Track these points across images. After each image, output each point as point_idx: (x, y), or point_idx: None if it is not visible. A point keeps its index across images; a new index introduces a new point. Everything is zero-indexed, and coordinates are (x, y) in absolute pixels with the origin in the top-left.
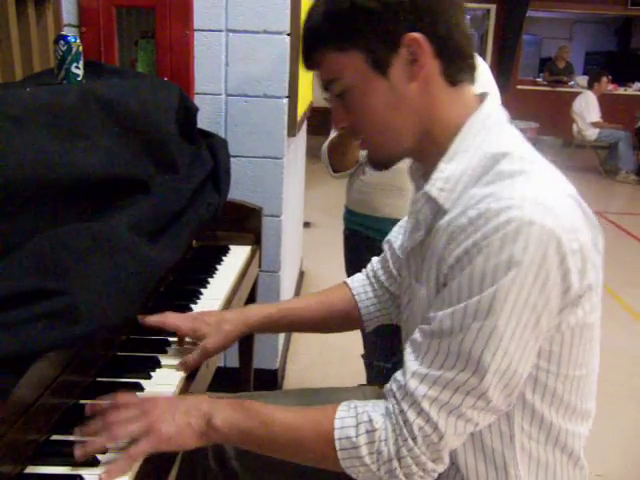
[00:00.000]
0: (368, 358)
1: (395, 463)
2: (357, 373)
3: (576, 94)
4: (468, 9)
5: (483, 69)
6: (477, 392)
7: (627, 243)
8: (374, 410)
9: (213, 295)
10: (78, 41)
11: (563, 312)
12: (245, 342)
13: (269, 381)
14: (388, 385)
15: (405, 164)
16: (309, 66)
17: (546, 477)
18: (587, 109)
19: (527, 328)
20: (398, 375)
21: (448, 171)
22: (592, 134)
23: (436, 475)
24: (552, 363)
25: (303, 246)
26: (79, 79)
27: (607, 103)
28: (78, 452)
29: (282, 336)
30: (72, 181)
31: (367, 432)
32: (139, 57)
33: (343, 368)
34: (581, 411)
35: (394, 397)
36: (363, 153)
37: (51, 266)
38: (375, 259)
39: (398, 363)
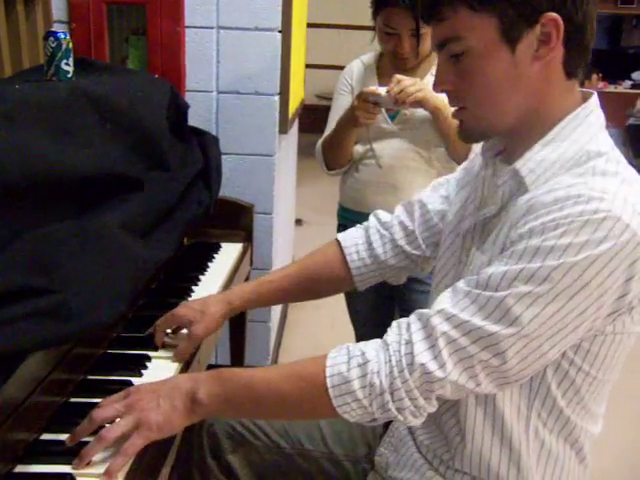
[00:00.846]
0: None
1: (387, 396)
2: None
3: None
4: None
5: None
6: (497, 348)
7: None
8: (365, 344)
9: (205, 293)
10: (68, 37)
11: (612, 316)
12: (236, 339)
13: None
14: (402, 319)
15: (402, 162)
16: (430, 18)
17: (554, 468)
18: None
19: (573, 312)
20: (422, 310)
21: (542, 154)
22: None
23: (425, 414)
24: (586, 362)
25: (295, 244)
26: (69, 76)
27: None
28: (76, 464)
29: (274, 333)
30: (62, 178)
31: (359, 365)
32: (130, 54)
33: None
34: (592, 412)
35: (407, 327)
36: (358, 150)
37: (42, 264)
38: (383, 213)
39: None
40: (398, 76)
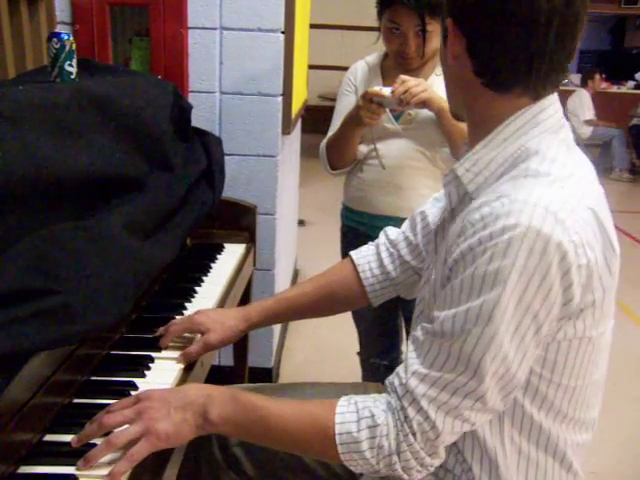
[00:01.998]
0: (364, 355)
1: (395, 458)
2: (353, 371)
3: (570, 92)
4: None
5: None
6: (475, 394)
7: (621, 241)
8: (375, 405)
9: (207, 293)
10: (71, 39)
11: (561, 321)
12: (240, 340)
13: (264, 379)
14: (390, 378)
15: (406, 162)
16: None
17: (536, 477)
18: (581, 107)
19: (527, 335)
20: (400, 371)
21: (479, 154)
22: (586, 132)
23: (432, 469)
24: (545, 369)
25: (297, 244)
26: (72, 77)
27: (601, 101)
28: (81, 465)
29: (277, 334)
30: (66, 179)
31: (369, 427)
32: (133, 55)
33: (338, 366)
34: (576, 420)
35: (396, 393)
36: (362, 150)
37: (45, 265)
38: (392, 230)
39: (395, 360)
40: (403, 76)
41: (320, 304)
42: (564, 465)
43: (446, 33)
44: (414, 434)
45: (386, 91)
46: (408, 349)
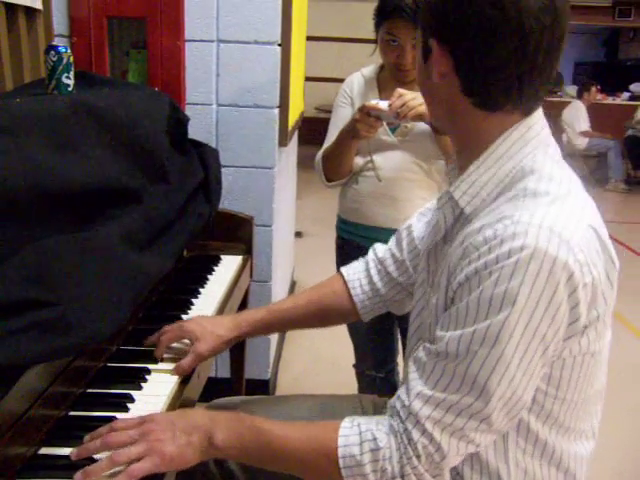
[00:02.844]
0: (359, 367)
1: None
2: (349, 383)
3: (565, 104)
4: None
5: None
6: (480, 416)
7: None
8: (378, 428)
9: (204, 305)
10: (69, 51)
11: (568, 341)
12: (236, 352)
13: (261, 391)
14: (392, 402)
15: (402, 174)
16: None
17: None
18: (577, 119)
19: (535, 357)
20: (402, 394)
21: (475, 175)
22: (581, 143)
23: None
24: (551, 386)
25: (294, 256)
26: (70, 89)
27: (596, 113)
28: (79, 478)
29: (274, 346)
30: (63, 191)
31: (371, 450)
32: (130, 67)
33: (335, 378)
34: (578, 430)
35: (398, 416)
36: (358, 162)
37: (41, 276)
38: (380, 246)
39: (390, 372)
40: (400, 90)
41: (311, 317)
42: (568, 477)
43: (427, 52)
44: (418, 457)
45: (383, 105)
46: (409, 370)
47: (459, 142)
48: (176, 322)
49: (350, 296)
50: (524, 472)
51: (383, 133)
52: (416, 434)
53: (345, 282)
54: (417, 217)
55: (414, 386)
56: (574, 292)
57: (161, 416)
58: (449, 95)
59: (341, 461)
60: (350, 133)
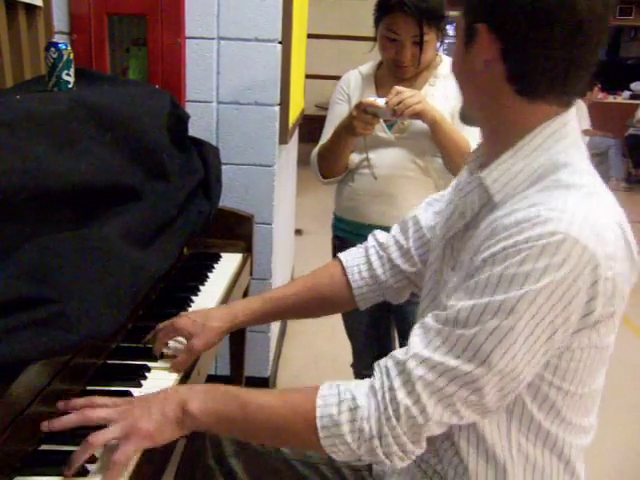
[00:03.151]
0: (357, 367)
1: (376, 442)
2: (348, 380)
3: None
4: (455, 17)
5: None
6: (474, 386)
7: None
8: (357, 389)
9: (204, 303)
10: (69, 48)
11: (578, 333)
12: (236, 349)
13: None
14: (382, 361)
15: (399, 171)
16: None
17: None
18: (577, 117)
19: (541, 338)
20: (397, 353)
21: (508, 164)
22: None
23: (414, 457)
24: (557, 377)
25: (294, 253)
26: (70, 86)
27: (597, 111)
28: (66, 471)
29: (273, 343)
30: (63, 189)
31: (349, 410)
32: (130, 65)
33: (335, 375)
34: (577, 426)
35: (387, 373)
36: (354, 159)
37: (41, 274)
38: (381, 233)
39: None
40: (397, 87)
41: (307, 305)
42: (568, 469)
43: (469, 38)
44: (398, 418)
45: (380, 102)
46: (413, 333)
47: (492, 131)
48: (167, 320)
49: (348, 282)
50: (525, 458)
51: (380, 130)
52: (401, 393)
53: (343, 268)
54: (424, 207)
55: (413, 346)
56: (595, 284)
57: (137, 397)
58: (490, 82)
59: (319, 421)
60: (346, 130)
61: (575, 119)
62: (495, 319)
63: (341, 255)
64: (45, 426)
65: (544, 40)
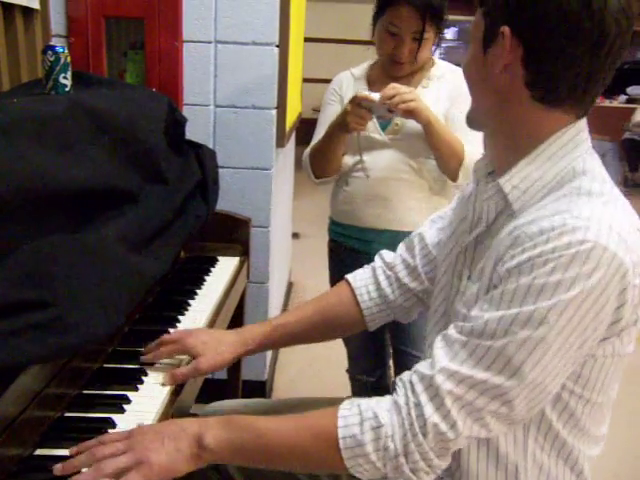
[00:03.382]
0: (352, 372)
1: (402, 459)
2: (346, 384)
3: None
4: (458, 22)
5: None
6: (504, 398)
7: None
8: (378, 406)
9: (201, 306)
10: (66, 51)
11: (605, 341)
12: None
13: (257, 393)
14: (405, 376)
15: (393, 174)
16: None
17: None
18: None
19: (572, 348)
20: (422, 367)
21: (526, 171)
22: None
23: (439, 471)
24: (578, 385)
25: (291, 257)
26: (67, 90)
27: (593, 115)
28: (59, 467)
29: None
30: (59, 192)
31: (373, 429)
32: (128, 68)
33: (332, 379)
34: (593, 436)
35: (412, 389)
36: (348, 162)
37: (38, 277)
38: (388, 253)
39: (382, 377)
40: (394, 84)
41: (317, 330)
42: (580, 479)
43: (490, 40)
44: (425, 434)
45: (375, 96)
46: (436, 345)
47: (506, 137)
48: (176, 333)
49: (357, 303)
50: (539, 468)
51: (374, 131)
52: (429, 409)
53: (352, 289)
54: (428, 225)
55: (440, 360)
56: (624, 291)
57: (148, 427)
58: (508, 87)
59: (341, 442)
60: (339, 126)
61: (587, 128)
62: (525, 330)
63: (349, 277)
64: (58, 470)
65: (568, 50)
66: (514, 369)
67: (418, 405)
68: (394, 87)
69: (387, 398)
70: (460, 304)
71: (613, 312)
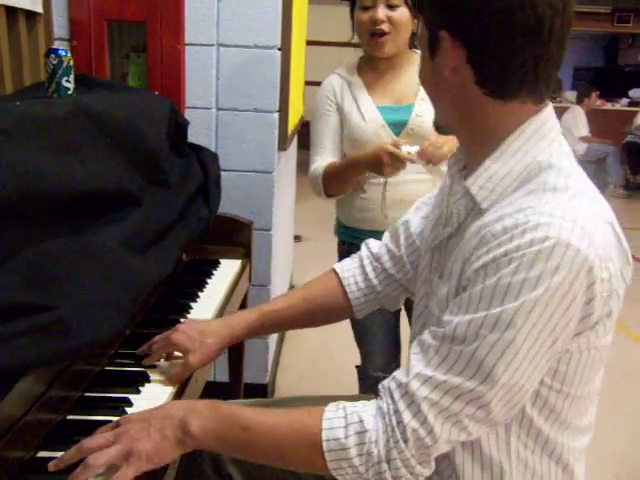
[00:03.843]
0: (366, 369)
1: (384, 465)
2: (348, 385)
3: (564, 109)
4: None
5: None
6: (480, 402)
7: None
8: (364, 410)
9: (203, 309)
10: (69, 55)
11: (578, 336)
12: (235, 356)
13: (259, 395)
14: (385, 382)
15: (407, 175)
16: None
17: None
18: (575, 124)
19: (543, 347)
20: (399, 374)
21: (492, 170)
22: (581, 149)
23: (422, 479)
24: (556, 380)
25: (293, 260)
26: (70, 93)
27: (595, 118)
28: (52, 464)
29: (272, 350)
30: (62, 194)
31: (357, 433)
32: (130, 71)
33: (334, 381)
34: (576, 428)
35: (391, 396)
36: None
37: (40, 280)
38: (374, 242)
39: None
40: (432, 139)
41: (304, 317)
42: (567, 472)
43: (434, 47)
44: (406, 441)
45: (413, 154)
46: (411, 351)
47: (470, 137)
48: (164, 332)
49: (345, 293)
50: (524, 465)
51: (388, 138)
52: (407, 416)
53: (340, 279)
54: (414, 212)
55: (414, 366)
56: (591, 286)
57: (136, 415)
58: (460, 88)
59: (325, 445)
60: (371, 168)
61: (553, 117)
62: (494, 332)
63: (336, 266)
64: (52, 466)
65: (507, 40)
66: (486, 373)
67: (397, 412)
68: (432, 144)
69: (372, 403)
70: (434, 303)
71: (582, 307)
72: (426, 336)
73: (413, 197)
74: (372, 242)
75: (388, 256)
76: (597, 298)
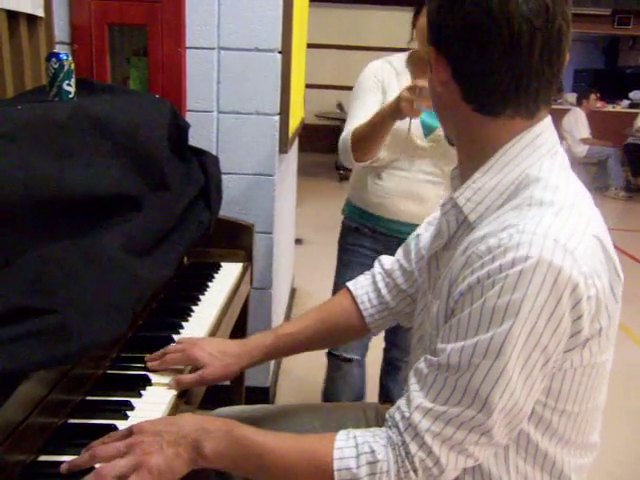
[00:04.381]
0: (337, 350)
1: None
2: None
3: (565, 111)
4: None
5: None
6: (481, 429)
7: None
8: (375, 440)
9: (204, 312)
10: (70, 58)
11: (568, 353)
12: None
13: (261, 399)
14: (391, 412)
15: (428, 176)
16: None
17: None
18: (576, 126)
19: (536, 368)
20: (402, 405)
21: (480, 182)
22: (581, 151)
23: None
24: (550, 398)
25: (295, 263)
26: (71, 96)
27: (596, 120)
28: (65, 466)
29: None
30: (63, 198)
31: (369, 463)
32: (131, 74)
33: None
34: (579, 444)
35: (397, 427)
36: (382, 157)
37: (41, 284)
38: (387, 258)
39: (363, 357)
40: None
41: (320, 338)
42: None
43: (431, 62)
44: (415, 471)
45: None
46: (410, 381)
47: (464, 150)
48: (182, 343)
49: (359, 311)
50: (524, 479)
51: (417, 136)
52: (414, 447)
53: (353, 297)
54: (425, 227)
55: (414, 397)
56: (578, 304)
57: (149, 425)
58: (452, 103)
59: (337, 474)
60: (392, 113)
61: (549, 129)
62: (486, 360)
63: (349, 284)
64: (64, 468)
65: (483, 57)
66: (483, 401)
67: (404, 443)
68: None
69: (383, 432)
70: (428, 322)
71: (571, 325)
72: (422, 365)
73: (430, 196)
74: (384, 258)
75: (400, 272)
76: (584, 316)
